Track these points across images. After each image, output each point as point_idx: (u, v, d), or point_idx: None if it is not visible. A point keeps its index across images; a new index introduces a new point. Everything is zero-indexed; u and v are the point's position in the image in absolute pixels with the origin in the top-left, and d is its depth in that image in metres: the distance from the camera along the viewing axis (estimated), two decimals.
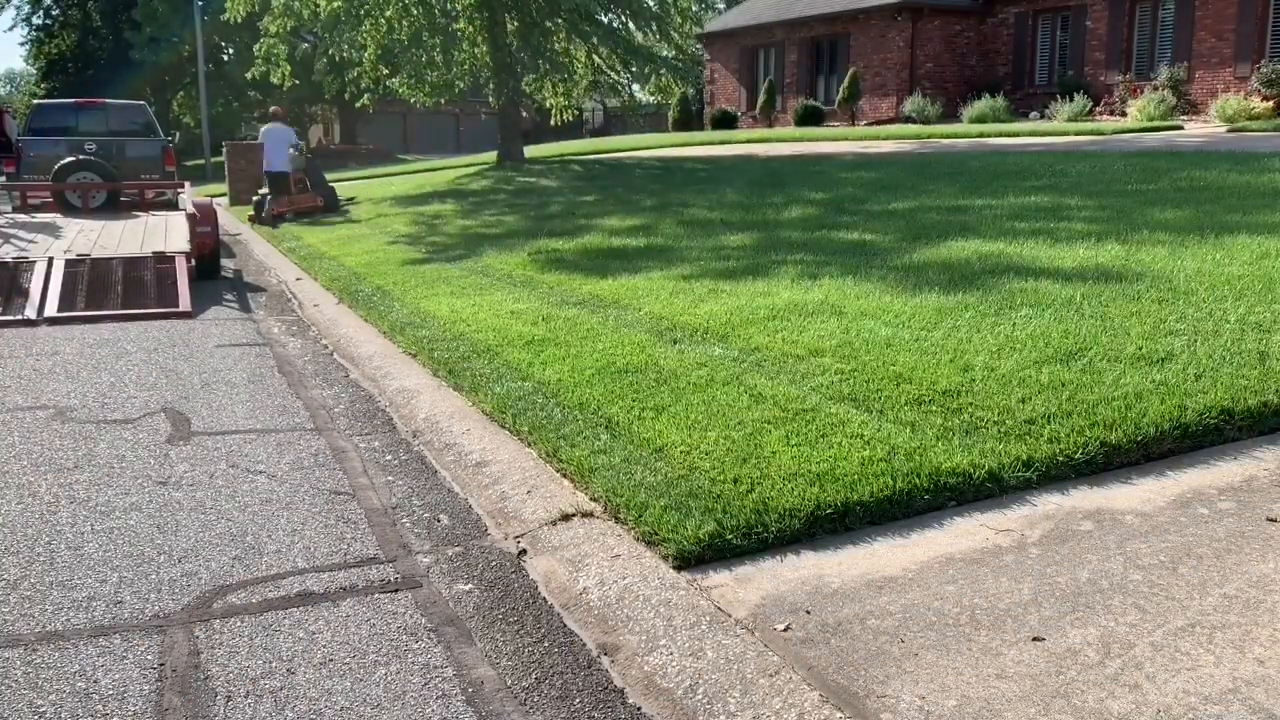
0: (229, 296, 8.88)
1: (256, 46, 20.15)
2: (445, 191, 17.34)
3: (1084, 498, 3.17)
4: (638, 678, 2.44)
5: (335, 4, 18.37)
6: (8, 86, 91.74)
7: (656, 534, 2.99)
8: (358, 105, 24.94)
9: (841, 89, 28.17)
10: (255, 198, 16.10)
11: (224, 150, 20.96)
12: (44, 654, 2.66)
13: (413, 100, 21.81)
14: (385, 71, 20.85)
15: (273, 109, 17.18)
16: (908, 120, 25.73)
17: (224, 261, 10.61)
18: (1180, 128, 19.42)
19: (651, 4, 20.33)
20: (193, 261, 9.23)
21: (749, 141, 23.14)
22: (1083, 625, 2.41)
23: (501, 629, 2.76)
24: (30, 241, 9.98)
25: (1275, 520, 2.93)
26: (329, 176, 18.04)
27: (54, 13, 48.33)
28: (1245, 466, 3.35)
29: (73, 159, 13.73)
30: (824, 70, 30.77)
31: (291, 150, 15.79)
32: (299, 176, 15.96)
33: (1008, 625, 2.43)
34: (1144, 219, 8.06)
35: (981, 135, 20.11)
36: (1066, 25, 25.60)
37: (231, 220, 16.22)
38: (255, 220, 15.48)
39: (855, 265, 7.03)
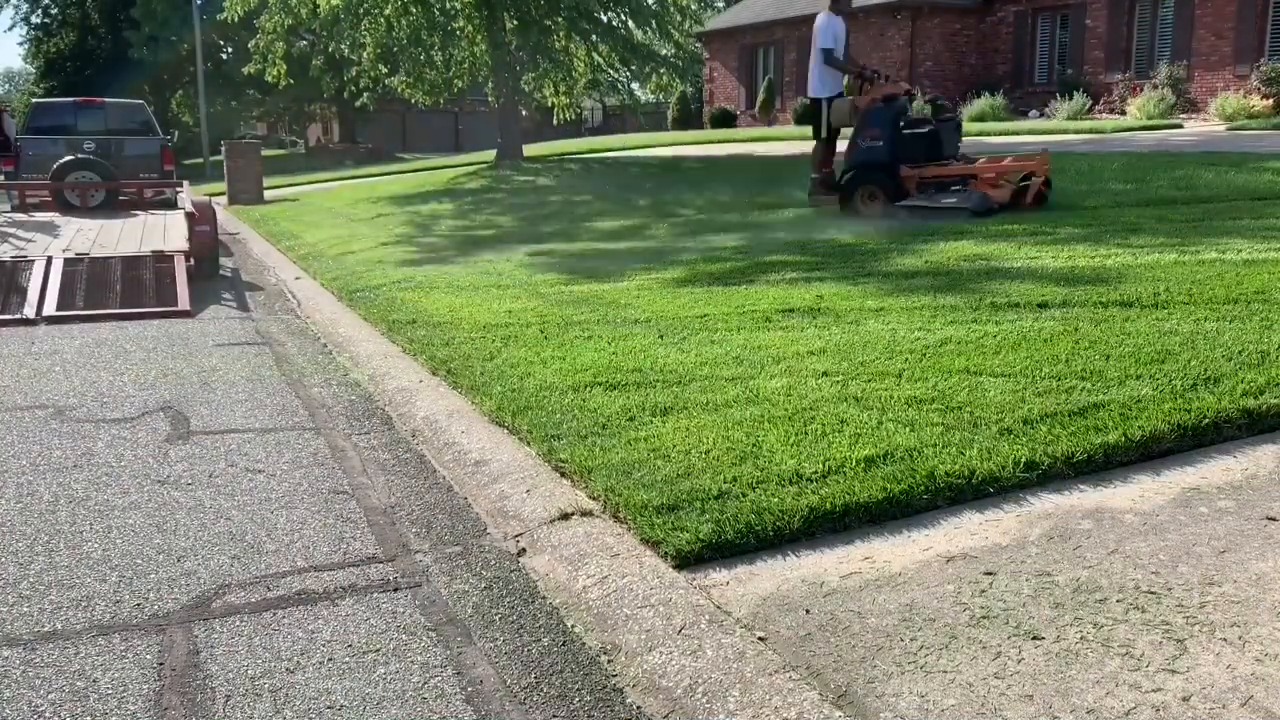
0: (228, 295, 8.87)
1: (253, 43, 20.14)
2: (443, 191, 17.33)
3: (1083, 497, 3.17)
4: (637, 677, 2.44)
5: (334, 2, 18.36)
6: (6, 85, 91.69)
7: (656, 533, 2.99)
8: (357, 104, 24.93)
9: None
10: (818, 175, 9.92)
11: (223, 149, 20.94)
12: (43, 653, 2.66)
13: (412, 99, 21.80)
14: (384, 70, 20.83)
15: None
16: None
17: (222, 260, 10.60)
18: (1180, 126, 19.44)
19: (651, 2, 20.32)
20: (191, 260, 9.22)
21: (748, 140, 23.14)
22: (1082, 624, 2.41)
23: (501, 628, 2.76)
24: (29, 240, 9.97)
25: (1275, 519, 2.93)
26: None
27: (53, 12, 48.31)
28: (1245, 465, 3.35)
29: (71, 158, 13.72)
30: None
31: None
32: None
33: (1007, 624, 2.43)
34: (1142, 218, 8.06)
35: (981, 134, 20.10)
36: (1066, 24, 25.60)
37: (230, 219, 16.21)
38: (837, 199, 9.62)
39: (854, 265, 7.04)
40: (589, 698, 2.41)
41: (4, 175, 14.99)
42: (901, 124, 9.22)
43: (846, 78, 9.83)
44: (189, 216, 9.65)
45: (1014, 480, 3.23)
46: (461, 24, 19.92)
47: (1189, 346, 4.36)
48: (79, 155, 13.99)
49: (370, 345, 6.26)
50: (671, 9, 20.53)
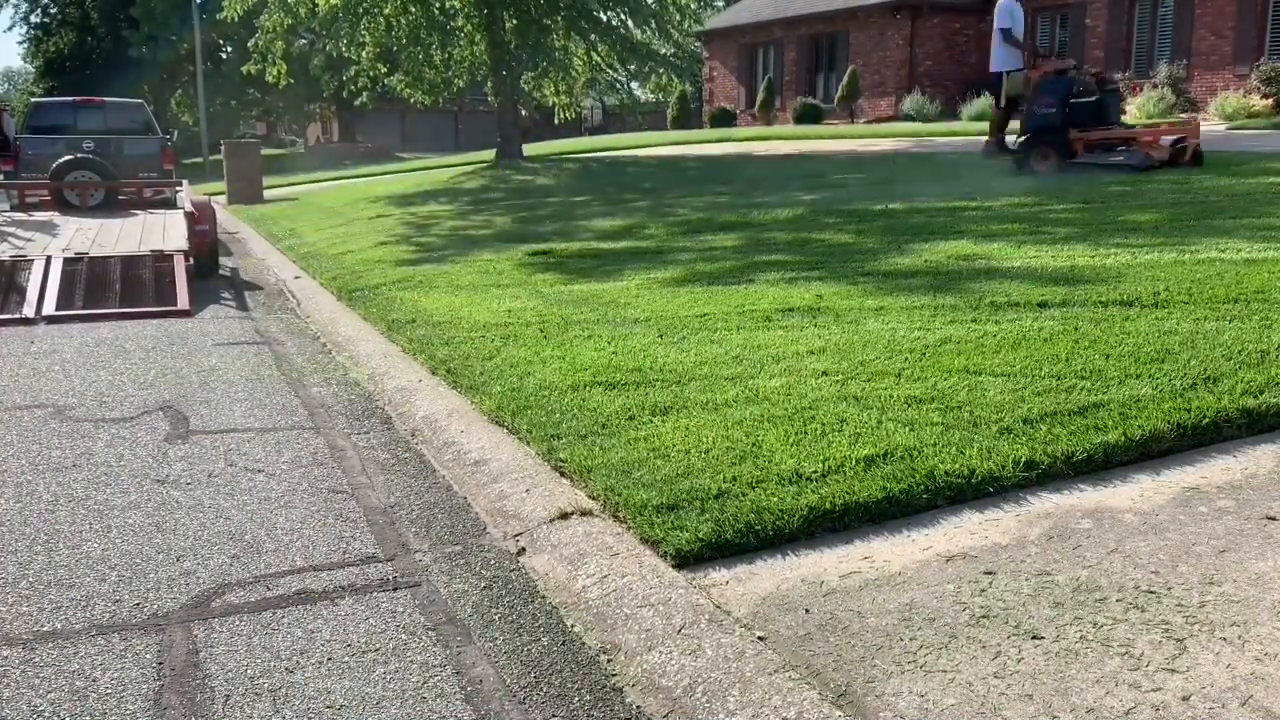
0: (227, 295, 8.87)
1: (252, 42, 20.16)
2: (442, 190, 17.33)
3: (1083, 496, 3.17)
4: (637, 676, 2.44)
5: (333, 1, 18.36)
6: (6, 85, 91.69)
7: (655, 532, 2.99)
8: (356, 104, 24.93)
9: (840, 87, 28.18)
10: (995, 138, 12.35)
11: (222, 149, 20.94)
12: (42, 653, 2.65)
13: (411, 99, 21.81)
14: (384, 69, 20.83)
15: None
16: (907, 118, 25.72)
17: (222, 260, 10.60)
18: None
19: (650, 1, 20.33)
20: (191, 260, 9.22)
21: (747, 140, 23.13)
22: (1082, 623, 2.40)
23: (500, 628, 2.76)
24: (28, 240, 9.97)
25: (1275, 519, 2.93)
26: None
27: (52, 11, 48.35)
28: (1245, 465, 3.35)
29: (71, 157, 13.70)
30: (823, 68, 30.77)
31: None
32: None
33: (1007, 623, 2.43)
34: (1140, 219, 8.06)
35: (980, 133, 20.09)
36: (1066, 23, 25.60)
37: (230, 218, 16.21)
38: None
39: (853, 265, 7.03)
40: (588, 697, 2.41)
41: (3, 175, 14.99)
42: (1071, 94, 11.03)
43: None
44: (188, 216, 9.65)
45: (1014, 480, 3.23)
46: (461, 23, 19.92)
47: (1189, 346, 4.36)
48: (78, 155, 13.97)
49: (370, 344, 6.26)
50: (671, 8, 20.53)
